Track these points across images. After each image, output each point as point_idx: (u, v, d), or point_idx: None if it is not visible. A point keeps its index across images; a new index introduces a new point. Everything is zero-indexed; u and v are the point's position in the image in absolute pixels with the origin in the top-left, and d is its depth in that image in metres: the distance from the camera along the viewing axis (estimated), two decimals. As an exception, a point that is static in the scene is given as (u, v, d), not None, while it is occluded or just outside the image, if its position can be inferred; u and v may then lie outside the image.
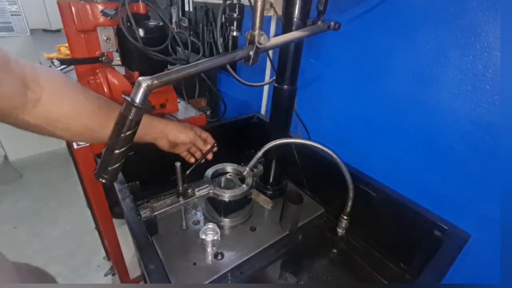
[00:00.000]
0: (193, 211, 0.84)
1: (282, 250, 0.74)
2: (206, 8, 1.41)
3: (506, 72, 0.55)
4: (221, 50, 0.85)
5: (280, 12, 0.90)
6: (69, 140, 0.57)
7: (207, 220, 0.80)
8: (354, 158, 0.79)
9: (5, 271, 0.46)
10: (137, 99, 0.40)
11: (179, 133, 0.71)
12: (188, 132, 0.72)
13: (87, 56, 0.95)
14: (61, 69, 1.38)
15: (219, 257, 0.70)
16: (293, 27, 0.64)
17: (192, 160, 0.79)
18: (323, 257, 0.75)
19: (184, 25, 1.63)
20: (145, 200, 0.85)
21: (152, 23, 0.93)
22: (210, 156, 0.79)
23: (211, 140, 0.79)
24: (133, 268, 1.29)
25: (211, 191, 0.74)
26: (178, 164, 0.66)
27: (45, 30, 2.32)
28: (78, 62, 0.96)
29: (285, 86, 0.72)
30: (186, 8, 1.60)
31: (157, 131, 0.69)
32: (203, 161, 0.78)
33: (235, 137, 1.07)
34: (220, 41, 0.84)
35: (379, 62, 0.78)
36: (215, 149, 0.79)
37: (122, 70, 1.05)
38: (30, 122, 0.47)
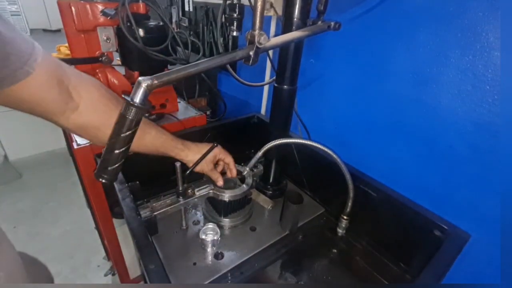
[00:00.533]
0: (193, 211, 0.84)
1: (282, 250, 0.74)
2: (206, 8, 1.41)
3: (506, 72, 0.55)
4: (221, 50, 0.85)
5: (280, 12, 0.90)
6: (98, 144, 0.58)
7: (207, 220, 0.80)
8: (354, 158, 0.79)
9: (13, 261, 0.47)
10: (137, 99, 0.40)
11: (199, 165, 0.72)
12: (207, 164, 0.74)
13: (87, 56, 0.95)
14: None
15: (219, 257, 0.70)
16: (293, 27, 0.64)
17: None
18: (323, 257, 0.75)
19: (184, 25, 1.63)
20: (145, 200, 0.85)
21: (152, 23, 0.93)
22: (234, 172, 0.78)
23: (233, 167, 0.78)
24: (133, 268, 1.29)
25: (211, 191, 0.74)
26: (178, 164, 0.66)
27: (45, 30, 2.32)
28: (78, 62, 0.95)
29: (285, 86, 0.72)
30: (186, 8, 1.60)
31: (186, 159, 0.71)
32: (229, 174, 0.78)
33: (235, 137, 1.07)
34: (220, 41, 0.84)
35: (379, 62, 0.78)
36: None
37: (122, 70, 1.05)
38: (63, 125, 0.51)
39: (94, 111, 0.53)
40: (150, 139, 0.64)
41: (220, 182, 0.74)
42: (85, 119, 0.52)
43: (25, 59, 0.39)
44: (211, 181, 0.75)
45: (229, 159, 0.76)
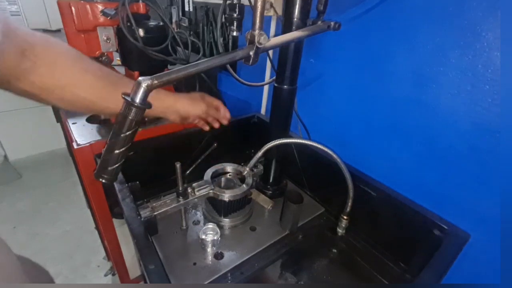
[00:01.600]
0: (193, 211, 0.84)
1: (282, 250, 0.74)
2: (206, 8, 1.41)
3: (506, 72, 0.55)
4: (221, 50, 0.85)
5: (280, 12, 0.90)
6: (66, 109, 0.56)
7: (207, 220, 0.80)
8: (354, 158, 0.79)
9: (10, 264, 0.46)
10: (137, 99, 0.40)
11: (190, 106, 0.68)
12: (199, 104, 0.70)
13: (87, 56, 0.95)
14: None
15: (219, 257, 0.70)
16: (293, 27, 0.64)
17: (207, 128, 0.76)
18: (323, 257, 0.75)
19: (184, 25, 1.63)
20: (145, 200, 0.85)
21: (152, 23, 0.93)
22: (225, 121, 0.77)
23: (223, 108, 0.76)
24: (133, 268, 1.29)
25: (211, 191, 0.74)
26: (178, 164, 0.66)
27: (45, 30, 2.32)
28: (78, 62, 0.95)
29: (285, 86, 0.72)
30: (186, 8, 1.60)
31: (165, 105, 0.65)
32: (216, 124, 0.77)
33: (235, 137, 1.07)
34: (220, 41, 0.84)
35: (379, 61, 0.78)
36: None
37: (122, 70, 1.05)
38: (26, 90, 0.47)
39: (54, 69, 0.48)
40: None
41: (206, 127, 0.76)
42: (45, 80, 0.48)
43: None
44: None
45: (217, 102, 0.75)
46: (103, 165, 0.45)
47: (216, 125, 0.75)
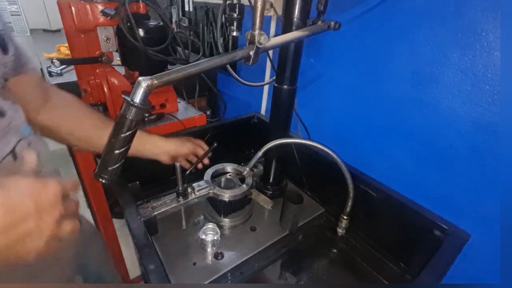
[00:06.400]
0: (193, 211, 0.84)
1: (282, 250, 0.74)
2: (206, 8, 1.41)
3: (506, 72, 0.55)
4: (221, 50, 0.85)
5: (280, 12, 0.90)
6: (72, 145, 0.68)
7: (207, 220, 0.80)
8: (354, 158, 0.79)
9: None
10: (137, 99, 0.40)
11: (179, 147, 0.76)
12: (187, 145, 0.78)
13: (87, 56, 0.95)
14: (61, 69, 1.38)
15: (219, 257, 0.70)
16: (293, 27, 0.64)
17: (189, 165, 0.81)
18: (323, 257, 0.75)
19: (184, 25, 1.63)
20: (145, 200, 0.85)
21: (152, 23, 0.93)
22: (206, 161, 0.82)
23: (205, 146, 0.83)
24: (133, 268, 1.29)
25: (211, 191, 0.74)
26: (178, 164, 0.66)
27: (45, 30, 2.32)
28: (78, 62, 0.96)
29: (285, 86, 0.72)
30: (186, 8, 1.60)
31: (156, 148, 0.73)
32: (199, 165, 0.80)
33: (235, 137, 1.07)
34: (220, 41, 0.84)
35: (379, 61, 0.78)
36: (209, 156, 0.81)
37: (122, 70, 1.05)
38: (40, 123, 0.59)
39: (67, 108, 0.64)
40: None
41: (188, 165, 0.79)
42: (60, 115, 0.61)
43: (24, 62, 0.53)
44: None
45: (200, 142, 0.82)
46: (103, 165, 0.45)
47: (200, 166, 0.82)
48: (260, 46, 0.48)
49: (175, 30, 0.98)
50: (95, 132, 0.65)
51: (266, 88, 1.18)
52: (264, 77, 1.14)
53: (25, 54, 0.53)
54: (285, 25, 0.66)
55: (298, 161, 0.92)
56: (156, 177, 0.88)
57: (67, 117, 0.63)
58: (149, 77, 0.41)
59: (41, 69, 1.44)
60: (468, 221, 0.63)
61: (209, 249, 0.71)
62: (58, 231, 0.34)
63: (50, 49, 1.70)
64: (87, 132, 0.65)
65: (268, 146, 0.75)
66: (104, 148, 0.44)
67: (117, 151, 0.44)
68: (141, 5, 0.93)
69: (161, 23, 0.94)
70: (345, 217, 0.76)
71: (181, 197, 0.71)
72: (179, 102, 1.18)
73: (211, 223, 0.73)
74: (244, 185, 0.76)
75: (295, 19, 0.64)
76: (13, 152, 0.41)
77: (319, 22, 0.64)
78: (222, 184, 0.81)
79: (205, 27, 1.47)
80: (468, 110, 0.62)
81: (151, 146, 0.72)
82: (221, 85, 1.58)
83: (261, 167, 0.90)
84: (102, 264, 0.75)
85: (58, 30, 2.28)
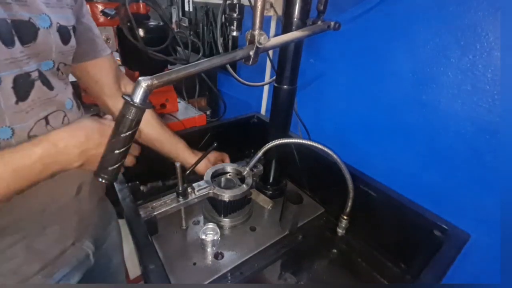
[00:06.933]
0: (193, 211, 0.84)
1: (282, 250, 0.74)
2: (206, 8, 1.41)
3: (506, 72, 0.55)
4: (221, 50, 0.85)
5: (280, 12, 0.90)
6: (143, 140, 0.70)
7: (207, 220, 0.80)
8: (354, 158, 0.79)
9: None
10: (137, 99, 0.40)
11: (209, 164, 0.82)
12: (214, 155, 0.84)
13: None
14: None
15: (219, 257, 0.70)
16: (293, 27, 0.64)
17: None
18: (323, 257, 0.75)
19: (184, 25, 1.63)
20: (145, 200, 0.85)
21: (152, 23, 0.93)
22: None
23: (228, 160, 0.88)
24: (133, 268, 1.29)
25: (211, 191, 0.74)
26: (178, 164, 0.66)
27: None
28: (78, 62, 0.95)
29: (285, 86, 0.72)
30: (186, 8, 1.60)
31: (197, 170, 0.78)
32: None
33: (235, 137, 1.07)
34: (220, 41, 0.84)
35: (379, 62, 0.78)
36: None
37: (122, 70, 1.05)
38: (110, 108, 0.66)
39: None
40: (169, 147, 0.75)
41: None
42: None
43: (103, 46, 0.61)
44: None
45: (226, 159, 0.87)
46: (103, 165, 0.45)
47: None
48: (260, 46, 0.48)
49: (175, 30, 0.98)
50: (161, 135, 0.72)
51: (266, 88, 1.18)
52: (264, 77, 1.14)
53: (101, 44, 0.61)
54: (285, 25, 0.66)
55: (298, 161, 0.92)
56: (156, 177, 0.88)
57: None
58: (149, 77, 0.41)
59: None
60: (468, 221, 0.63)
61: (209, 249, 0.71)
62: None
63: (50, 49, 1.70)
64: (155, 135, 0.71)
65: (268, 146, 0.75)
66: (104, 148, 0.44)
67: (117, 151, 0.44)
68: (141, 5, 0.93)
69: (161, 23, 0.94)
70: (345, 217, 0.76)
71: (181, 197, 0.71)
72: (179, 102, 1.18)
73: (211, 223, 0.73)
74: (244, 185, 0.76)
75: (295, 19, 0.64)
76: (46, 118, 0.46)
77: (319, 22, 0.64)
78: (222, 184, 0.81)
79: (205, 27, 1.47)
80: (468, 110, 0.62)
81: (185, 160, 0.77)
82: (221, 85, 1.58)
83: (261, 167, 0.90)
84: (115, 252, 0.75)
85: (58, 30, 2.28)
